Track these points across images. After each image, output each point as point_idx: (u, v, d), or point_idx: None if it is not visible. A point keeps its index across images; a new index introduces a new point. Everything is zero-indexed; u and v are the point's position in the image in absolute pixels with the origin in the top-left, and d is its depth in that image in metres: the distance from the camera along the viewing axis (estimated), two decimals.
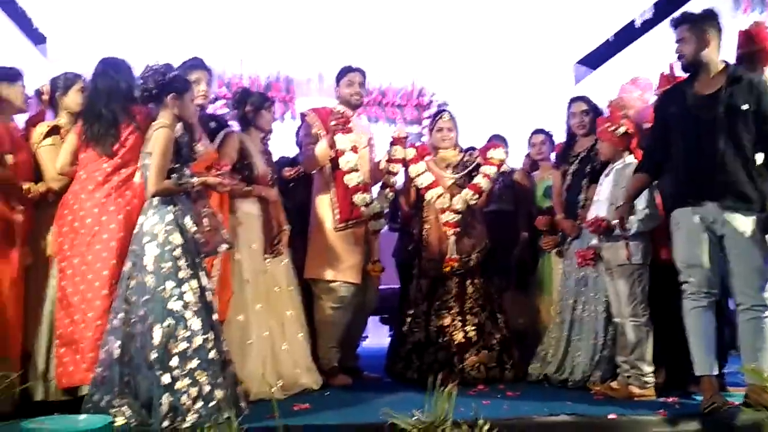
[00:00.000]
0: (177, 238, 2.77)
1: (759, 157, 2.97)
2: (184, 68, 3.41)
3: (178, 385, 2.60)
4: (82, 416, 2.70)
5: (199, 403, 2.61)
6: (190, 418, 2.57)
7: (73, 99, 3.34)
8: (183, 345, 2.65)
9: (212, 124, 3.73)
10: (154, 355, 2.62)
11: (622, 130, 3.49)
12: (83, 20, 7.16)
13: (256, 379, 3.35)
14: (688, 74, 3.15)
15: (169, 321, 2.65)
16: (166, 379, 2.60)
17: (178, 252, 2.75)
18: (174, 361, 2.62)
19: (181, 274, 2.73)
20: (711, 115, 2.93)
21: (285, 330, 3.63)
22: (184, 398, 2.59)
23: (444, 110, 4.39)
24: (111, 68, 3.18)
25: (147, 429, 2.58)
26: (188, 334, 2.67)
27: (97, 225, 3.04)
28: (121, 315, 2.77)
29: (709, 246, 2.95)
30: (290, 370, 3.57)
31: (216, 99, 7.95)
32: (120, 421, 2.66)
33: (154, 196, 2.82)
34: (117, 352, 2.74)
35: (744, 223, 2.88)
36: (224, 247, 3.00)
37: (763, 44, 3.28)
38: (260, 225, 3.64)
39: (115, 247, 3.00)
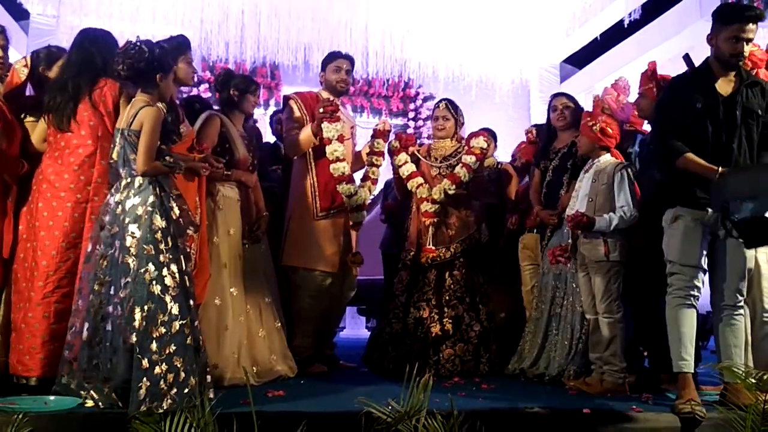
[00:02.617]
0: (159, 221, 2.72)
1: None
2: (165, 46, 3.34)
3: (156, 369, 2.56)
4: (52, 397, 2.67)
5: (174, 390, 2.58)
6: (165, 404, 2.53)
7: (57, 73, 3.24)
8: (162, 329, 2.61)
9: (197, 106, 3.69)
10: (134, 338, 2.58)
11: (597, 127, 3.50)
12: None
13: (231, 365, 3.33)
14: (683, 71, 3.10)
15: (150, 304, 2.61)
16: (145, 363, 2.56)
17: (159, 235, 2.70)
18: (154, 346, 2.58)
19: (162, 258, 2.68)
20: (730, 117, 2.91)
21: (261, 316, 3.60)
22: (161, 383, 2.55)
23: (443, 99, 4.33)
24: (88, 40, 3.09)
25: (116, 412, 2.54)
26: (167, 318, 2.63)
27: (46, 210, 2.97)
28: (91, 297, 2.72)
29: (705, 246, 2.95)
30: (266, 356, 3.54)
31: (200, 82, 7.91)
32: (89, 403, 2.63)
33: (143, 176, 2.76)
34: (86, 334, 2.69)
35: None
36: (191, 230, 2.96)
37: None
38: (239, 209, 3.59)
39: (58, 237, 2.94)
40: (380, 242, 5.08)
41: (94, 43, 3.08)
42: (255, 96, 3.73)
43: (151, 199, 2.73)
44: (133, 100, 2.86)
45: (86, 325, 2.70)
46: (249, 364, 3.41)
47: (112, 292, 2.69)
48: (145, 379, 2.53)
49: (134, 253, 2.66)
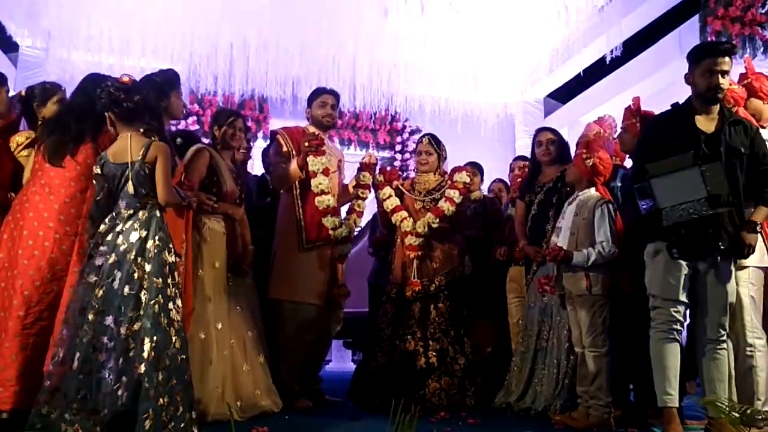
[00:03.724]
0: (167, 256, 2.74)
1: None
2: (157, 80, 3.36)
3: (160, 401, 2.56)
4: None
5: (172, 423, 2.57)
6: None
7: (51, 110, 3.26)
8: (167, 362, 2.62)
9: (179, 140, 3.71)
10: (143, 369, 2.57)
11: (590, 162, 3.53)
12: (57, 30, 7.09)
13: (214, 399, 3.29)
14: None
15: (158, 336, 2.62)
16: (152, 393, 2.55)
17: (167, 269, 2.72)
18: (160, 377, 2.58)
19: (169, 292, 2.70)
20: (714, 154, 2.93)
21: (246, 350, 3.58)
22: (163, 415, 2.55)
23: (426, 134, 4.40)
24: (91, 85, 3.12)
25: None
26: (171, 352, 2.63)
27: (31, 239, 2.94)
28: (85, 327, 2.68)
29: (686, 281, 2.97)
30: (250, 391, 3.50)
31: (188, 115, 7.95)
32: None
33: (167, 206, 2.81)
34: (76, 364, 2.64)
35: (727, 263, 2.95)
36: (179, 260, 2.97)
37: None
38: (224, 242, 3.59)
39: (44, 268, 2.91)
40: (368, 275, 5.08)
41: (96, 89, 3.10)
42: (231, 127, 3.72)
43: (161, 234, 2.76)
44: (130, 135, 2.85)
45: (77, 355, 2.65)
46: (233, 399, 3.37)
47: (107, 322, 2.65)
48: (151, 410, 2.52)
49: (145, 287, 2.67)
